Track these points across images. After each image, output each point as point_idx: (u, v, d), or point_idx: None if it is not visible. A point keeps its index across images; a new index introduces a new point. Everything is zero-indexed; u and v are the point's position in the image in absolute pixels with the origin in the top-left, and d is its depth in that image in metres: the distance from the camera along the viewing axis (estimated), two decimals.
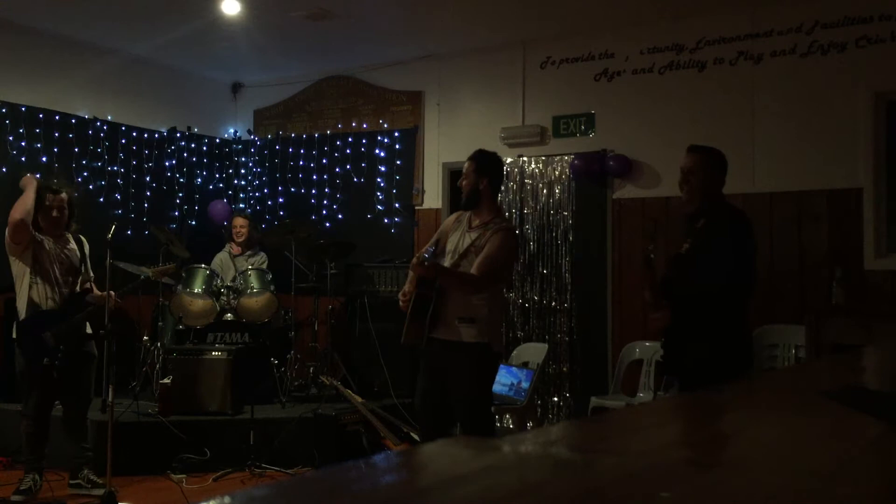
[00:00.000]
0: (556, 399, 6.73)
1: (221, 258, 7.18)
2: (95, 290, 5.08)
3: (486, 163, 4.28)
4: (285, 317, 7.02)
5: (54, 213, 4.93)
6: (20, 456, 5.14)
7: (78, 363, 4.99)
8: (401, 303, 4.34)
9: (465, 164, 4.33)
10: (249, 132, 8.53)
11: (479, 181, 4.23)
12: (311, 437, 5.70)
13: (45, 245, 4.88)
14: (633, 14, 6.36)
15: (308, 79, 8.19)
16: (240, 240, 7.18)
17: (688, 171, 3.90)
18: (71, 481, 5.07)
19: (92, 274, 5.12)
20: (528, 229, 6.89)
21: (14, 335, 4.92)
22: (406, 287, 4.33)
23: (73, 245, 5.08)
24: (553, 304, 6.76)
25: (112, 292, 4.78)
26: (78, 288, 5.04)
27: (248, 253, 7.20)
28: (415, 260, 4.17)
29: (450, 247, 4.33)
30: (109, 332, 4.69)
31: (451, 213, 7.28)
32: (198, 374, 5.86)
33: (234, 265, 7.05)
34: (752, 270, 3.88)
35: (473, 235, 4.23)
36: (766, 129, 6.04)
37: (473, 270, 4.12)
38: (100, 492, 4.80)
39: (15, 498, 4.82)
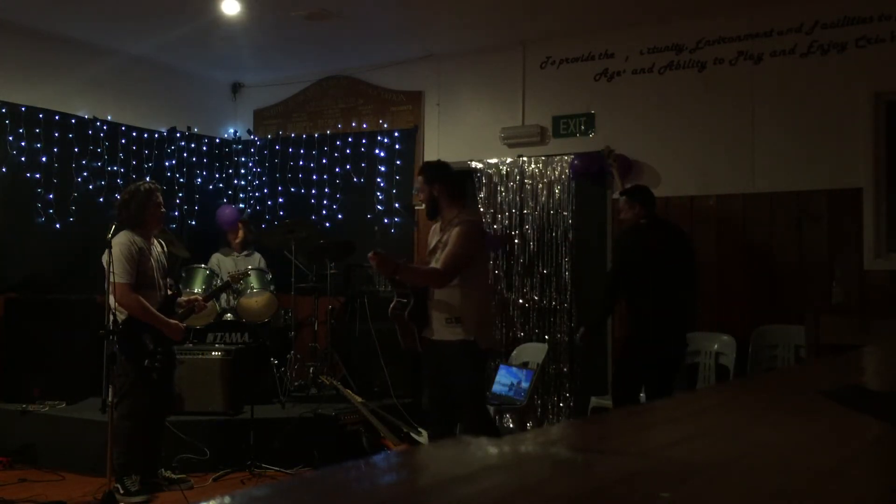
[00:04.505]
0: (556, 399, 6.73)
1: (219, 258, 7.21)
2: (184, 296, 5.29)
3: (432, 172, 4.58)
4: (285, 317, 7.03)
5: (163, 210, 5.07)
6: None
7: (168, 366, 5.06)
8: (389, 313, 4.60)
9: (417, 181, 4.64)
10: (249, 132, 8.53)
11: (431, 190, 4.50)
12: (311, 437, 5.70)
13: (145, 252, 4.90)
14: (633, 14, 6.36)
15: (308, 79, 8.18)
16: (238, 241, 7.27)
17: None
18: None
19: (171, 280, 5.27)
20: (528, 229, 6.89)
21: (113, 338, 4.82)
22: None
23: (159, 248, 5.14)
24: (553, 304, 6.76)
25: (199, 297, 5.30)
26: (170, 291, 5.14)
27: (245, 253, 7.28)
28: (370, 254, 4.29)
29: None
30: (109, 331, 4.69)
31: None
32: (198, 374, 5.86)
33: (236, 266, 7.06)
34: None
35: (441, 234, 4.47)
36: (766, 129, 6.04)
37: (437, 264, 4.30)
38: (185, 486, 4.98)
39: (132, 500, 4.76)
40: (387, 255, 4.27)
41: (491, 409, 5.83)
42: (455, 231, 4.33)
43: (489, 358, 4.51)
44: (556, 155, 6.80)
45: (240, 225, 7.38)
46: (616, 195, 5.72)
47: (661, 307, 5.01)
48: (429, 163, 4.82)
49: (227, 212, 7.86)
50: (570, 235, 6.71)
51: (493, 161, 7.08)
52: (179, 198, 7.96)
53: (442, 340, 4.33)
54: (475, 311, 4.33)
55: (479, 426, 4.38)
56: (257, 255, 7.31)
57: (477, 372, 4.42)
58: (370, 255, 4.27)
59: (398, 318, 4.46)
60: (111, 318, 4.69)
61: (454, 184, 4.59)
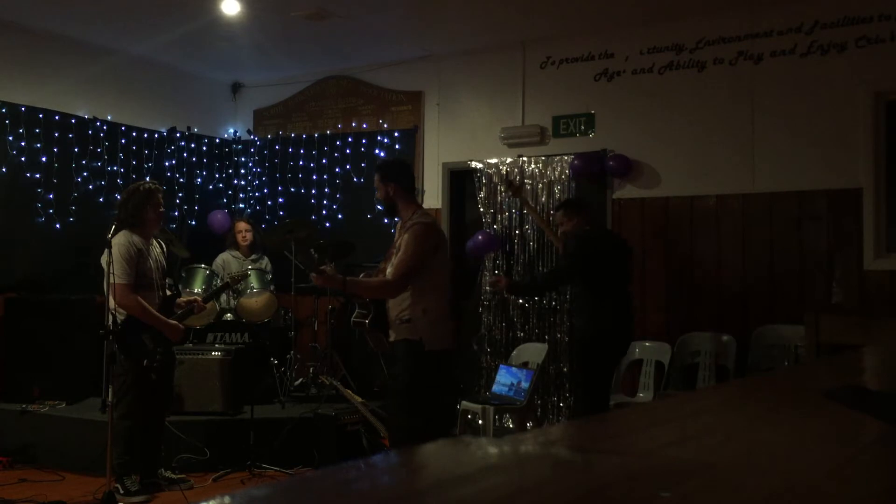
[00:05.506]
0: (556, 399, 6.73)
1: (225, 259, 7.14)
2: (184, 296, 5.32)
3: (387, 170, 4.57)
4: (285, 317, 7.02)
5: (162, 210, 5.08)
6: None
7: (167, 366, 5.07)
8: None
9: (374, 180, 4.60)
10: (249, 132, 8.53)
11: (387, 188, 4.48)
12: (311, 437, 5.70)
13: (144, 252, 4.90)
14: (633, 14, 6.36)
15: (308, 79, 8.18)
16: (246, 244, 7.18)
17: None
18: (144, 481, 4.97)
19: (170, 280, 5.29)
20: (528, 229, 6.89)
21: (112, 338, 4.77)
22: None
23: (158, 248, 5.14)
24: (553, 304, 6.75)
25: (198, 297, 5.33)
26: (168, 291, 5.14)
27: (253, 257, 7.19)
28: (311, 275, 4.28)
29: None
30: (109, 331, 4.69)
31: (451, 213, 7.34)
32: (198, 374, 5.86)
33: (240, 268, 7.02)
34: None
35: (398, 236, 4.46)
36: (766, 129, 6.04)
37: (390, 272, 4.30)
38: (185, 486, 5.01)
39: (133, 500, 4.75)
40: (331, 273, 4.19)
41: (490, 409, 5.84)
42: (405, 237, 4.28)
43: (441, 361, 4.30)
44: (556, 155, 6.80)
45: (248, 227, 7.29)
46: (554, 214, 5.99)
47: (624, 304, 5.31)
48: (385, 161, 4.86)
49: (218, 216, 7.85)
50: None
51: (493, 161, 7.07)
52: (179, 198, 7.96)
53: (395, 341, 4.33)
54: (424, 313, 4.24)
55: (401, 429, 4.32)
56: (265, 260, 7.24)
57: (417, 373, 4.26)
58: (312, 276, 4.24)
59: (361, 326, 4.45)
60: (111, 318, 4.69)
61: (410, 182, 4.56)
